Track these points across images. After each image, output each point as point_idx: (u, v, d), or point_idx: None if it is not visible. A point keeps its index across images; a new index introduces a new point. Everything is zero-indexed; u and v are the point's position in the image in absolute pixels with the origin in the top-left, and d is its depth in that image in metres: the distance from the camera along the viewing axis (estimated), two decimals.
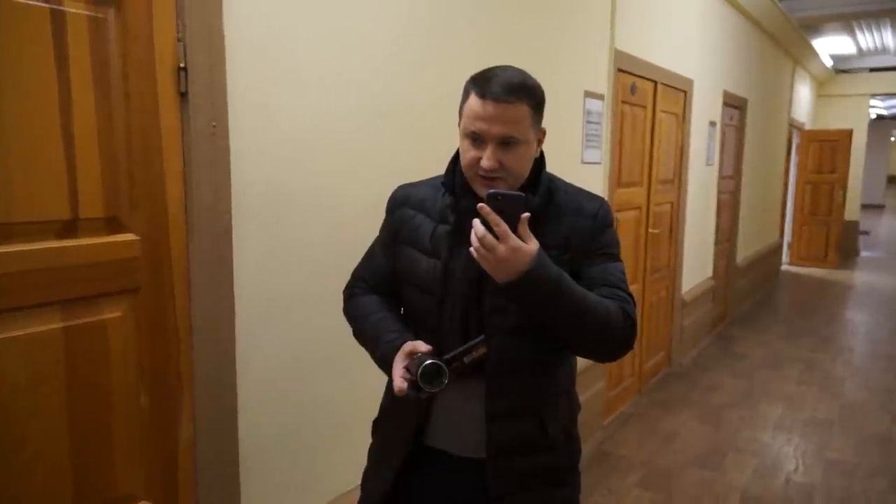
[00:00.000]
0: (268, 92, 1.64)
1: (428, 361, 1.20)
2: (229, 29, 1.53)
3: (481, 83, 1.19)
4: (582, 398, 3.33)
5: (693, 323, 5.15)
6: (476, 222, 1.12)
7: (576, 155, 3.18)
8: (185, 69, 1.45)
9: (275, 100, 1.66)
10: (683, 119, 4.59)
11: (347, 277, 1.52)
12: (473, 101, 1.20)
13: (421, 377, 1.20)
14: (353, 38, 1.85)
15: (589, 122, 3.24)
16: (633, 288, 4.03)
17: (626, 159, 3.77)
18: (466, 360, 1.21)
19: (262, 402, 1.71)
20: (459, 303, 1.26)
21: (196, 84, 1.47)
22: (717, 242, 5.73)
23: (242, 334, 1.63)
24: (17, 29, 1.20)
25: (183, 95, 1.46)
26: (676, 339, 4.85)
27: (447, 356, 1.21)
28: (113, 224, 1.37)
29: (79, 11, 1.28)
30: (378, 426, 1.45)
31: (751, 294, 7.12)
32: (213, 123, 1.51)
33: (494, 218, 1.10)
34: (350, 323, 1.45)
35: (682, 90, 4.49)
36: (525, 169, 1.24)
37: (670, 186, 4.50)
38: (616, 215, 3.68)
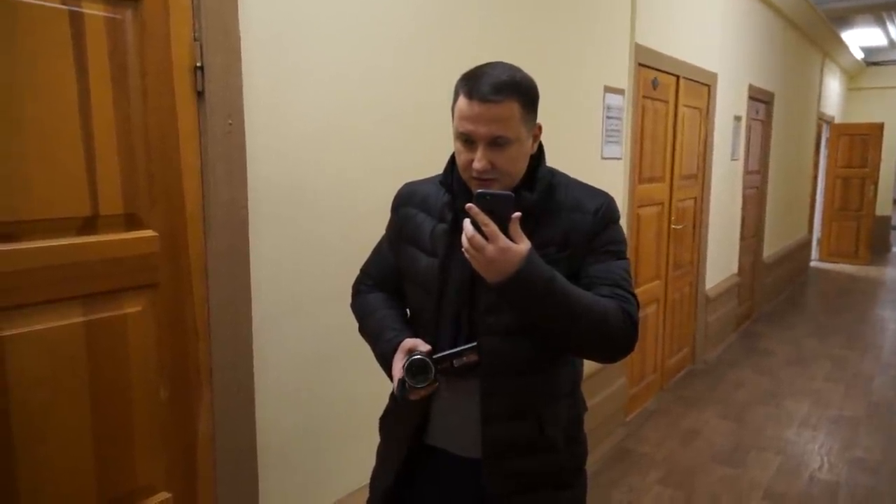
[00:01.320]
0: (283, 90, 1.65)
1: (415, 356, 1.21)
2: (245, 29, 1.54)
3: (469, 83, 1.18)
4: (602, 395, 3.30)
5: (717, 320, 5.08)
6: (466, 223, 1.11)
7: (595, 151, 3.15)
8: (201, 68, 1.46)
9: (290, 98, 1.67)
10: (707, 114, 4.52)
11: (355, 278, 1.53)
12: (462, 101, 1.18)
13: (406, 371, 1.20)
14: (366, 36, 1.86)
15: (609, 117, 3.21)
16: (655, 284, 3.99)
17: (648, 155, 3.73)
18: (455, 363, 1.21)
19: (280, 397, 1.72)
20: (454, 301, 1.26)
21: (212, 83, 1.48)
22: (742, 238, 5.64)
23: (259, 329, 1.65)
24: (36, 31, 1.22)
25: (199, 94, 1.48)
26: (700, 336, 4.79)
27: (437, 355, 1.22)
28: (132, 220, 1.39)
29: (97, 13, 1.30)
30: (383, 424, 1.46)
31: (778, 291, 7.00)
32: (230, 121, 1.53)
33: (483, 218, 1.10)
34: (356, 319, 1.46)
35: (705, 84, 4.42)
36: (519, 168, 1.23)
37: (693, 182, 4.44)
38: (638, 211, 3.64)
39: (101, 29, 1.31)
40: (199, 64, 1.46)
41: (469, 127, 1.17)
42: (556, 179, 1.30)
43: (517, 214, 1.11)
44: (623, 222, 3.37)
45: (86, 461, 1.36)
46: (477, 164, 1.17)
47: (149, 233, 1.42)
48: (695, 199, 4.49)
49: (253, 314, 1.63)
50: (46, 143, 1.25)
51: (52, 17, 1.24)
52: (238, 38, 1.52)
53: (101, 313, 1.35)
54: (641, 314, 3.78)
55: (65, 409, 1.32)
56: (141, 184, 1.40)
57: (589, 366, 2.87)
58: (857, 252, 9.48)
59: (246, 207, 1.58)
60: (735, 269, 5.54)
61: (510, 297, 1.13)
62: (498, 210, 1.11)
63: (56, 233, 1.28)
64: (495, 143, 1.17)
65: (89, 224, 1.33)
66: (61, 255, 1.29)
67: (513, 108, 1.17)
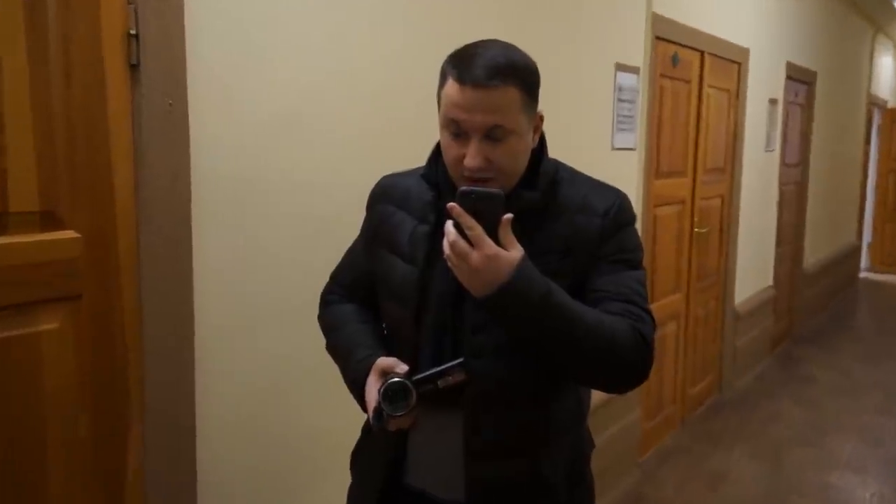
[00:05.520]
0: (235, 64, 1.66)
1: (393, 379, 1.22)
2: None
3: (460, 64, 1.18)
4: (613, 429, 3.33)
5: (749, 341, 5.14)
6: (448, 225, 1.13)
7: (605, 140, 3.19)
8: (136, 36, 1.47)
9: (244, 74, 1.67)
10: (737, 96, 4.58)
11: (324, 286, 1.54)
12: (451, 86, 1.19)
13: (383, 396, 1.21)
14: (340, 4, 1.87)
15: (621, 100, 3.24)
16: (674, 299, 4.04)
17: (666, 145, 3.77)
18: (440, 384, 1.22)
19: (228, 429, 1.73)
20: (436, 318, 1.27)
21: (149, 54, 1.49)
22: (778, 244, 5.71)
23: (203, 350, 1.65)
24: None
25: (134, 67, 1.48)
26: (728, 361, 4.84)
27: (417, 377, 1.23)
28: (49, 219, 1.39)
29: None
30: (354, 461, 1.47)
31: (821, 306, 7.09)
32: (170, 101, 1.53)
33: (467, 220, 1.11)
34: (324, 334, 1.47)
35: (735, 62, 4.48)
36: (520, 164, 1.24)
37: (720, 176, 4.49)
38: (654, 212, 3.68)
39: None
40: (133, 31, 1.46)
41: (461, 116, 1.18)
42: (560, 174, 1.32)
43: (508, 216, 1.13)
44: (637, 225, 3.39)
45: None
46: (470, 161, 1.18)
47: (69, 234, 1.42)
48: (722, 197, 4.55)
49: (196, 332, 1.63)
50: None
51: None
52: (181, 1, 1.53)
53: (9, 331, 1.35)
54: (658, 334, 3.74)
55: None
56: (61, 175, 1.40)
57: (597, 396, 2.89)
58: None
59: (189, 204, 1.58)
60: (770, 280, 5.61)
61: (499, 314, 1.15)
62: (485, 211, 1.12)
63: None
64: (492, 135, 1.18)
65: None
66: None
67: (511, 95, 1.18)
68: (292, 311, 1.81)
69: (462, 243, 1.11)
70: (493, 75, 1.16)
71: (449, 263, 1.14)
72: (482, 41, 1.23)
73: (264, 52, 1.72)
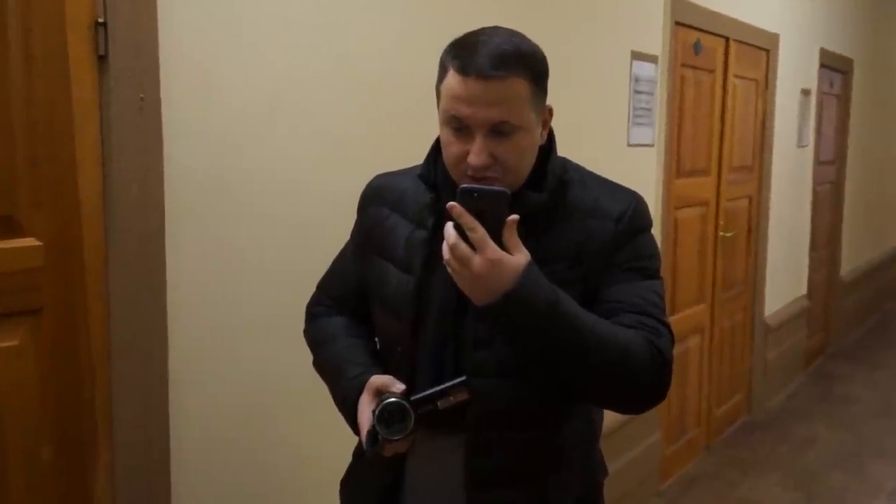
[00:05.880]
0: (216, 55, 1.66)
1: (389, 399, 1.22)
2: None
3: (462, 54, 1.19)
4: (629, 455, 3.32)
5: (781, 356, 5.13)
6: (448, 227, 1.13)
7: (619, 135, 3.19)
8: (104, 25, 1.47)
9: (225, 65, 1.68)
10: (766, 86, 4.58)
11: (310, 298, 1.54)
12: (453, 78, 1.19)
13: (378, 418, 1.21)
14: None
15: (637, 91, 3.25)
16: (697, 310, 4.03)
17: (688, 140, 3.77)
18: (441, 404, 1.22)
19: (205, 455, 1.72)
20: (434, 332, 1.28)
21: (119, 44, 1.49)
22: (813, 249, 5.70)
23: (178, 367, 1.65)
24: None
25: (102, 59, 1.48)
26: (758, 378, 4.83)
27: (416, 396, 1.22)
28: (7, 225, 1.40)
29: None
30: (345, 487, 1.47)
31: (860, 318, 7.06)
32: (141, 95, 1.53)
33: (468, 220, 1.11)
34: (311, 350, 1.47)
35: (763, 49, 4.48)
36: (527, 162, 1.25)
37: (748, 175, 4.49)
38: (675, 214, 3.68)
39: None
40: (101, 19, 1.47)
41: (464, 111, 1.18)
42: (570, 174, 1.32)
43: (514, 217, 1.13)
44: (655, 229, 3.39)
45: None
46: (474, 159, 1.18)
47: (30, 241, 1.43)
48: (750, 197, 4.54)
49: (170, 349, 1.63)
50: None
51: None
52: None
53: None
54: (680, 349, 3.80)
55: None
56: (20, 177, 1.40)
57: (611, 417, 2.88)
58: None
59: (162, 208, 1.58)
60: (804, 289, 5.59)
61: (503, 324, 1.15)
62: (489, 211, 1.12)
63: None
64: (497, 130, 1.18)
65: None
66: None
67: (519, 87, 1.19)
68: (276, 323, 1.81)
69: (463, 246, 1.11)
70: (499, 65, 1.16)
71: (448, 269, 1.15)
72: (485, 28, 1.24)
73: (246, 42, 1.72)
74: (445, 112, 1.22)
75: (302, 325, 1.54)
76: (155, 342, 1.60)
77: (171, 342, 1.63)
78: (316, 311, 1.51)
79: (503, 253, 1.12)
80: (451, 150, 1.23)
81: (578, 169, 1.36)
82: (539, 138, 1.27)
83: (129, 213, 1.54)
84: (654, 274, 1.30)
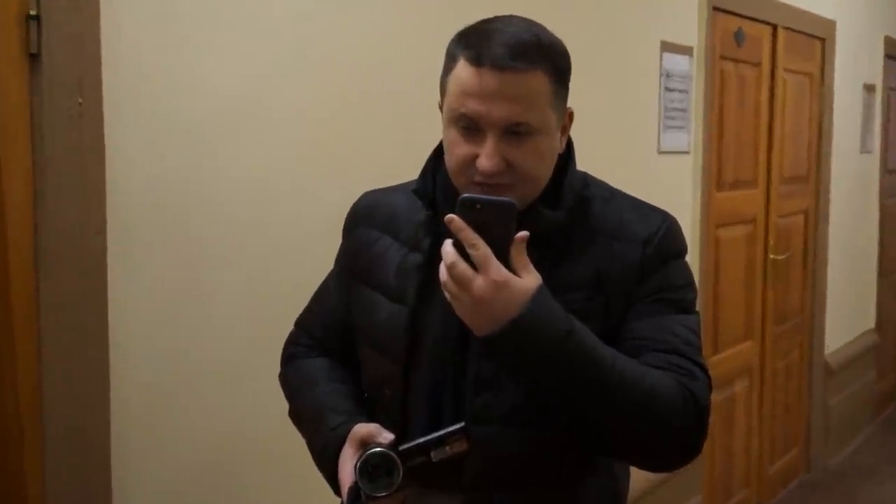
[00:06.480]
0: (169, 53, 1.66)
1: (373, 450, 1.21)
2: None
3: (475, 42, 1.20)
4: None
5: (845, 402, 5.09)
6: (446, 244, 1.12)
7: (648, 141, 3.19)
8: (37, 18, 1.47)
9: (176, 65, 1.68)
10: (821, 82, 4.58)
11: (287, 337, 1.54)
12: (464, 68, 1.20)
13: (360, 471, 1.21)
14: None
15: (669, 89, 3.25)
16: (744, 348, 4.01)
17: (730, 146, 3.76)
18: (435, 455, 1.20)
19: None
20: (431, 372, 1.28)
21: (54, 40, 1.49)
22: (882, 274, 5.68)
23: (123, 430, 1.63)
24: None
25: (33, 57, 1.48)
26: (818, 430, 4.80)
27: (405, 446, 1.22)
28: None
29: None
30: None
31: None
32: (79, 100, 1.53)
33: (469, 236, 1.10)
34: (286, 397, 1.47)
35: (817, 38, 4.49)
36: (545, 171, 1.26)
37: (803, 187, 4.49)
38: (716, 233, 3.67)
39: None
40: (33, 11, 1.46)
41: (475, 107, 1.19)
42: (591, 191, 1.33)
43: (524, 233, 1.12)
44: (692, 252, 3.40)
45: None
46: (485, 163, 1.19)
47: None
48: (805, 213, 4.54)
49: (112, 408, 1.61)
50: None
51: None
52: None
53: None
54: (724, 395, 3.79)
55: None
56: None
57: (641, 477, 2.85)
58: None
59: (104, 236, 1.57)
60: (871, 322, 5.57)
61: (509, 357, 1.15)
62: (494, 225, 1.12)
63: None
64: (514, 131, 1.19)
65: None
66: None
67: (541, 82, 1.20)
68: (240, 372, 1.81)
69: (463, 266, 1.11)
70: (518, 55, 1.17)
71: (445, 293, 1.14)
72: (499, 17, 1.25)
73: (205, 39, 1.72)
74: (453, 109, 1.23)
75: (275, 369, 1.54)
76: (94, 396, 1.58)
77: (114, 399, 1.61)
78: (293, 352, 1.51)
79: (509, 274, 1.11)
80: (457, 152, 1.23)
81: (600, 184, 1.36)
82: (558, 145, 1.27)
83: (65, 239, 1.52)
84: (687, 307, 1.30)
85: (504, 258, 1.12)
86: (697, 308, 1.35)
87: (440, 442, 1.21)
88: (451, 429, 1.21)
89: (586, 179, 1.34)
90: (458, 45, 1.23)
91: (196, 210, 1.73)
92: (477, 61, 1.18)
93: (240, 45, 1.78)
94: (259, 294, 1.84)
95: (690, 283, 1.33)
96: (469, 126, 1.21)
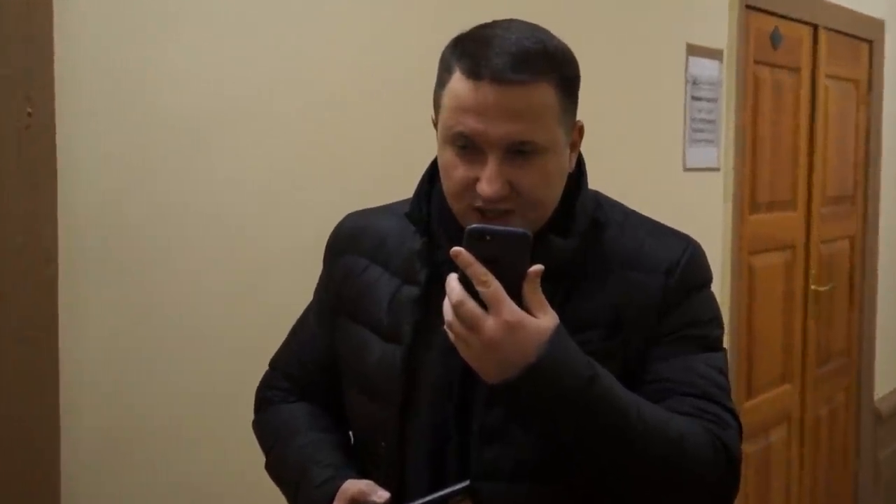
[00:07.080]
0: (128, 58, 1.67)
1: None
2: None
3: (472, 51, 1.21)
4: None
5: None
6: (451, 280, 1.13)
7: (673, 157, 3.21)
8: None
9: (140, 71, 1.69)
10: (868, 89, 4.58)
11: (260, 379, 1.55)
12: (460, 82, 1.21)
13: None
14: None
15: (696, 98, 3.26)
16: (781, 392, 4.01)
17: (765, 162, 3.77)
18: None
19: None
20: (431, 420, 1.29)
21: (0, 42, 1.50)
22: None
23: (72, 473, 1.63)
24: None
25: None
26: (866, 484, 4.78)
27: None
28: None
29: None
30: None
31: None
32: (29, 110, 1.54)
33: (479, 271, 1.11)
34: (262, 448, 1.47)
35: (864, 40, 4.50)
36: (554, 194, 1.27)
37: (848, 209, 4.50)
38: (750, 261, 3.68)
39: None
40: None
41: (473, 125, 1.19)
42: (604, 212, 1.34)
43: (538, 267, 1.14)
44: (722, 282, 3.38)
45: None
46: (486, 188, 1.19)
47: None
48: (851, 238, 4.54)
49: (62, 450, 1.61)
50: None
51: None
52: None
53: None
54: (760, 444, 3.80)
55: None
56: None
57: None
58: None
59: (55, 267, 1.58)
60: None
61: (522, 409, 1.16)
62: (505, 259, 1.12)
63: None
64: (518, 151, 1.20)
65: None
66: None
67: (546, 94, 1.21)
68: (206, 422, 1.81)
69: (471, 305, 1.11)
70: (521, 66, 1.18)
71: (450, 335, 1.15)
72: (498, 21, 1.26)
73: (173, 42, 1.74)
74: (448, 128, 1.23)
75: (248, 415, 1.54)
76: (44, 451, 1.59)
77: (64, 443, 1.61)
78: (269, 397, 1.52)
79: (524, 314, 1.12)
80: (454, 176, 1.24)
81: (614, 205, 1.38)
82: (568, 164, 1.29)
83: (11, 275, 1.53)
84: (714, 344, 1.32)
85: (516, 295, 1.12)
86: (725, 345, 1.36)
87: (443, 502, 1.21)
88: (455, 487, 1.22)
89: (599, 200, 1.36)
90: (452, 55, 1.24)
91: (160, 233, 1.75)
92: (475, 74, 1.19)
93: (211, 52, 1.81)
94: (230, 328, 1.85)
95: (717, 316, 1.35)
96: (467, 146, 1.21)
